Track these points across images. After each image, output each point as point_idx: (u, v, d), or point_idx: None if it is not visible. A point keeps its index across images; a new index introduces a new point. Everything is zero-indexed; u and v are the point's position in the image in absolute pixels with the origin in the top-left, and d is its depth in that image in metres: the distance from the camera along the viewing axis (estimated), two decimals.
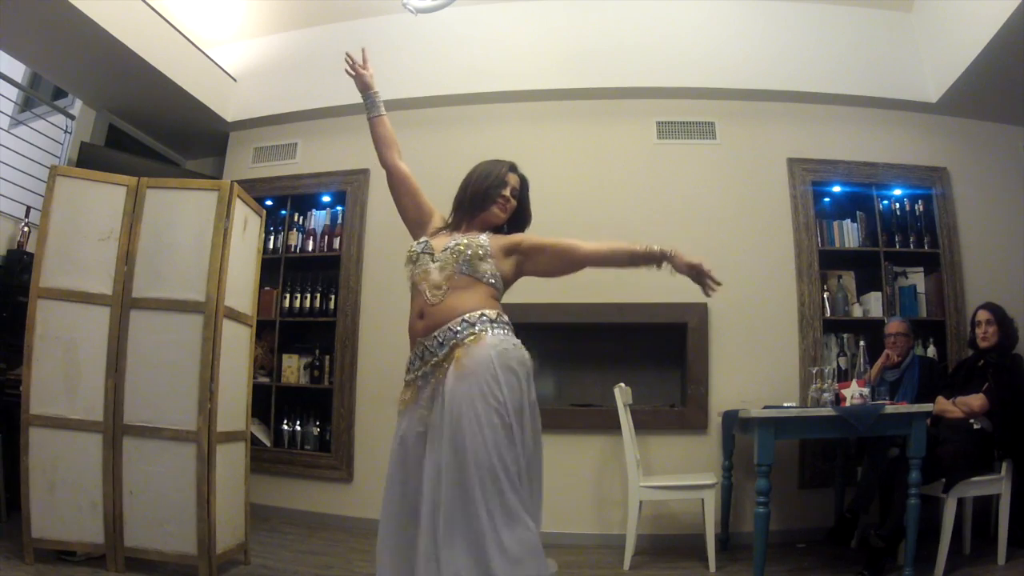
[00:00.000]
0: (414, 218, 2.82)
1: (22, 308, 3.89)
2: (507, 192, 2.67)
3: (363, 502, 5.40)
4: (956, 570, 3.95)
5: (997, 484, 4.10)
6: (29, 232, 5.11)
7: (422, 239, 2.68)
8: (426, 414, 2.43)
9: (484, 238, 2.59)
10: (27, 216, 5.25)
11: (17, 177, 5.45)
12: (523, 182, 2.77)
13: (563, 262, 2.64)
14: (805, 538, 4.88)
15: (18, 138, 5.73)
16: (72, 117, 6.06)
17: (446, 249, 2.56)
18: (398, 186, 2.83)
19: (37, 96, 6.63)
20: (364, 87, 2.87)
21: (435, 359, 2.45)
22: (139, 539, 3.69)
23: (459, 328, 2.43)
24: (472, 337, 2.41)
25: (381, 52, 5.90)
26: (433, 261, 2.56)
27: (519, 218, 2.78)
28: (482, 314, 2.46)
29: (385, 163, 2.86)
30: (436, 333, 2.46)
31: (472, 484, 2.23)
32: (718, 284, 2.48)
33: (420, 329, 2.52)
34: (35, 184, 5.40)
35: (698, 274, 2.48)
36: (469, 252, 2.52)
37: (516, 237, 2.66)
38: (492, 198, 2.66)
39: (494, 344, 2.40)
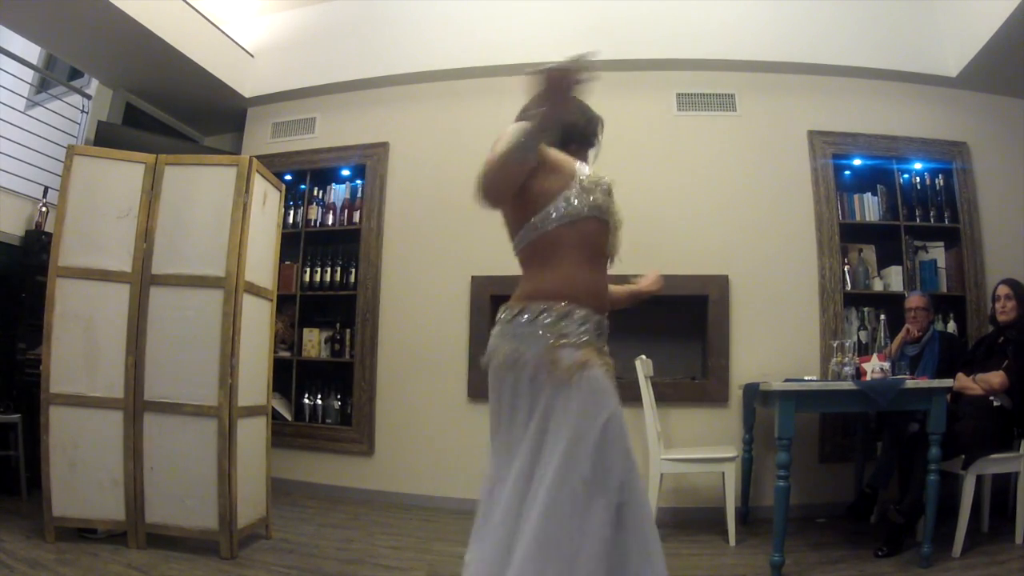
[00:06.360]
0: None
1: (41, 288, 3.91)
2: None
3: (384, 475, 5.45)
4: (973, 548, 3.92)
5: (1016, 462, 4.06)
6: (47, 212, 5.13)
7: (584, 168, 2.08)
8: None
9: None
10: (45, 196, 5.28)
11: (35, 158, 5.45)
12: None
13: None
14: (825, 513, 4.87)
15: (35, 119, 5.73)
16: (88, 97, 6.07)
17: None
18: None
19: (53, 77, 6.63)
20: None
21: (605, 347, 2.04)
22: (160, 515, 3.73)
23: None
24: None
25: (399, 25, 5.89)
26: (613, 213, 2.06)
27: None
28: None
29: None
30: (606, 319, 2.06)
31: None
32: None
33: (601, 305, 2.09)
34: (53, 164, 5.37)
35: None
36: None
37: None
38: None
39: None
